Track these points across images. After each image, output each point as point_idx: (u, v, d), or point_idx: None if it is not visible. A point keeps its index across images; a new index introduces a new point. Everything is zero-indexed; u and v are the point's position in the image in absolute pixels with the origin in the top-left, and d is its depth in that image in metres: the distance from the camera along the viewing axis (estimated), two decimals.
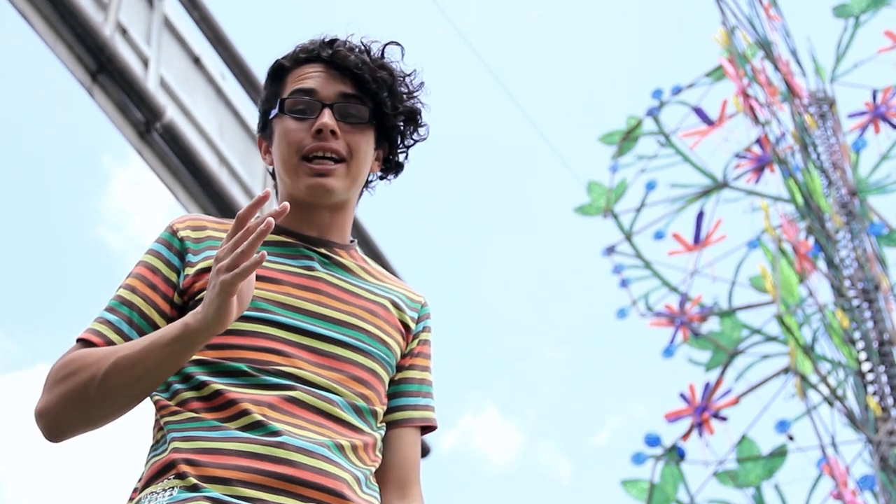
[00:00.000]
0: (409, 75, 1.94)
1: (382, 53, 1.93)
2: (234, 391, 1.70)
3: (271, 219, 1.55)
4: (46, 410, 1.72)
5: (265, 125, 1.96)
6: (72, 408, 1.69)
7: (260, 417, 1.67)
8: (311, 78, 1.90)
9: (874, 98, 14.46)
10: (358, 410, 1.79)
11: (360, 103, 1.89)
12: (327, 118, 1.86)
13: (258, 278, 1.79)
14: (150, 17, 8.74)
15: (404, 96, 1.93)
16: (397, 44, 1.94)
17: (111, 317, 1.80)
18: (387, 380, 1.88)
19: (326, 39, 1.92)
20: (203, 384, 1.72)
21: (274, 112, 1.92)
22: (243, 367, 1.73)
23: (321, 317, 1.82)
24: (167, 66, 8.74)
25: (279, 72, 1.94)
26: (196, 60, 9.35)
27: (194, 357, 1.73)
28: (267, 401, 1.70)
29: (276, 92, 1.94)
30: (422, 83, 1.96)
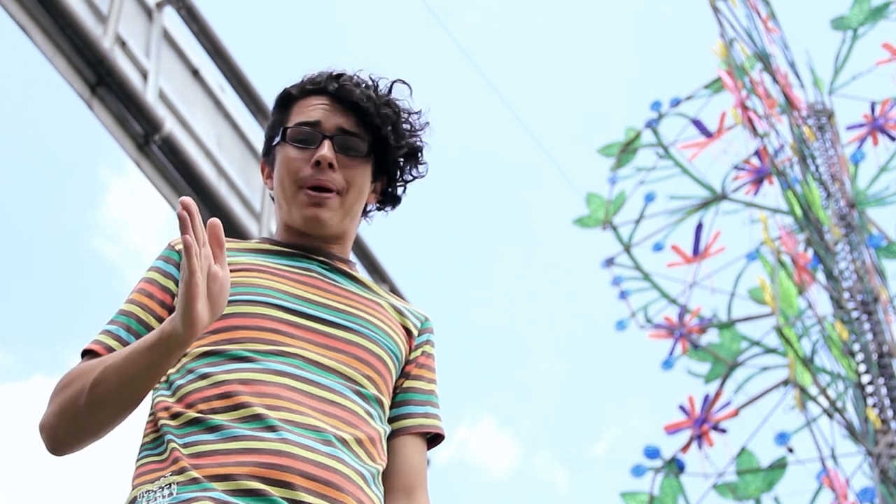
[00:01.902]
0: (414, 113, 1.98)
1: (390, 90, 1.96)
2: (236, 383, 1.71)
3: (182, 211, 1.57)
4: (46, 423, 1.75)
5: (269, 150, 2.01)
6: (66, 419, 1.72)
7: (260, 410, 1.68)
8: (316, 109, 1.94)
9: (872, 110, 14.48)
10: (364, 397, 1.79)
11: (360, 137, 1.93)
12: (326, 150, 1.90)
13: (259, 270, 1.85)
14: (149, 30, 8.75)
15: (407, 133, 1.96)
16: (405, 82, 1.98)
17: (111, 327, 1.84)
18: (393, 372, 1.88)
19: (334, 73, 1.97)
20: (205, 375, 1.74)
21: (277, 139, 1.96)
22: (246, 353, 1.75)
23: (323, 304, 1.85)
24: (166, 78, 8.74)
25: (286, 101, 1.99)
26: (195, 73, 9.36)
27: (198, 346, 1.76)
28: (270, 391, 1.71)
29: (281, 120, 1.99)
30: (427, 123, 1.99)
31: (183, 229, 1.57)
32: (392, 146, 1.95)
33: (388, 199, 2.05)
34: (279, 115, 1.99)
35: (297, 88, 1.98)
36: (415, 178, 2.04)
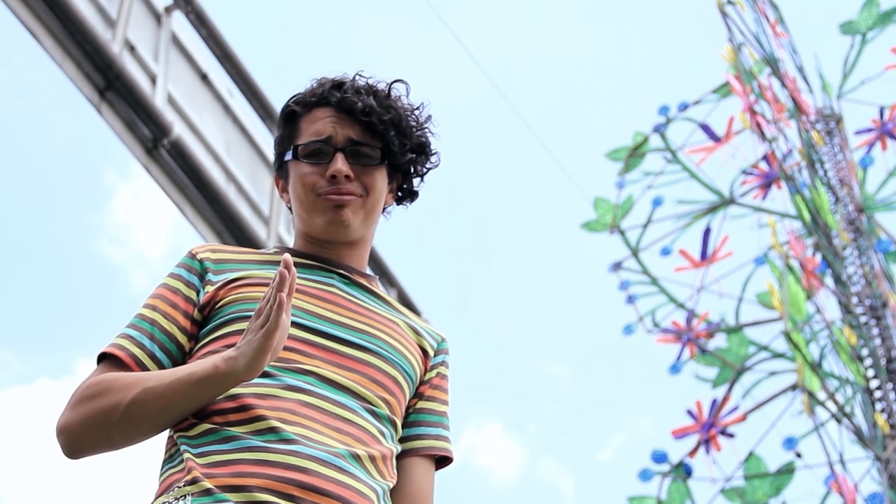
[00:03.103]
0: (416, 109, 2.00)
1: (389, 92, 1.98)
2: (252, 396, 1.73)
3: (284, 269, 1.63)
4: (68, 428, 1.75)
5: (280, 165, 2.03)
6: (94, 429, 1.73)
7: (276, 423, 1.69)
8: (323, 123, 1.95)
9: (881, 115, 14.45)
10: (377, 417, 1.81)
11: (371, 145, 1.95)
12: (340, 164, 1.92)
13: None
14: (158, 34, 8.78)
15: (413, 130, 1.98)
16: (402, 81, 2.00)
17: (133, 332, 1.84)
18: (407, 393, 1.89)
19: (335, 82, 1.98)
20: None
21: (288, 156, 1.98)
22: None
23: (341, 323, 1.86)
24: (175, 82, 8.77)
25: (291, 117, 2.00)
26: (203, 77, 9.38)
27: None
28: (285, 406, 1.72)
29: (289, 135, 2.00)
30: (429, 116, 2.02)
31: (280, 287, 1.63)
32: (399, 149, 1.96)
33: (405, 195, 2.08)
34: (287, 131, 2.01)
35: (301, 104, 1.99)
36: (429, 169, 2.06)
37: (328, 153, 1.93)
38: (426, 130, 2.02)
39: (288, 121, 2.01)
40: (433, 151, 2.04)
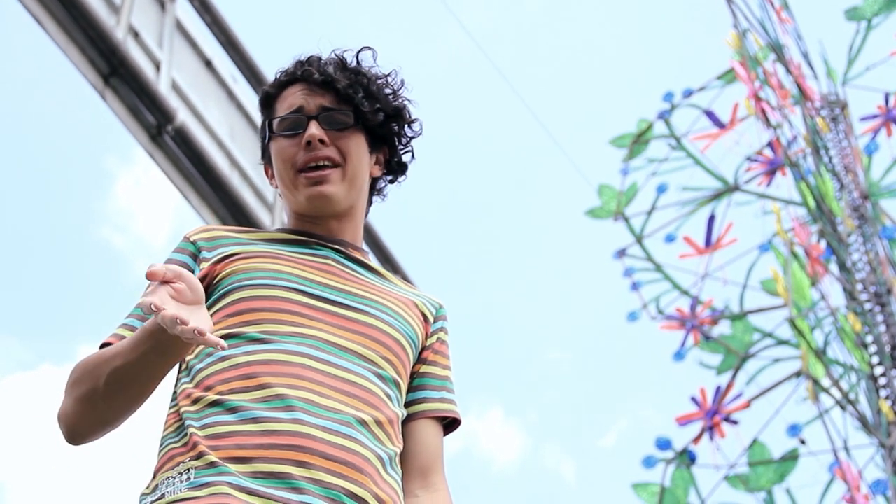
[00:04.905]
0: (387, 76, 2.02)
1: (357, 60, 2.01)
2: (256, 364, 1.73)
3: (177, 267, 1.61)
4: (64, 414, 1.77)
5: (265, 151, 2.06)
6: (85, 410, 1.75)
7: (281, 390, 1.70)
8: (295, 96, 1.99)
9: (886, 101, 14.42)
10: (382, 379, 1.81)
11: (343, 110, 1.97)
12: (314, 129, 1.94)
13: (273, 257, 1.88)
14: (163, 21, 8.77)
15: (386, 96, 2.00)
16: (369, 48, 2.03)
17: (127, 320, 1.87)
18: (410, 356, 1.90)
19: (303, 59, 2.02)
20: (224, 358, 1.76)
21: (267, 135, 2.02)
22: (263, 335, 1.77)
23: (339, 289, 1.87)
24: (179, 69, 8.76)
25: (267, 100, 2.05)
26: (208, 63, 9.38)
27: (217, 330, 1.77)
28: (290, 371, 1.73)
29: (267, 118, 2.04)
30: (402, 81, 2.04)
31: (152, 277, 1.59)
32: (370, 110, 1.98)
33: (393, 167, 2.08)
34: (266, 115, 2.05)
35: (273, 85, 2.04)
36: (412, 137, 2.06)
37: (302, 122, 1.96)
38: (400, 96, 2.03)
39: (265, 106, 2.05)
40: (412, 118, 2.05)
